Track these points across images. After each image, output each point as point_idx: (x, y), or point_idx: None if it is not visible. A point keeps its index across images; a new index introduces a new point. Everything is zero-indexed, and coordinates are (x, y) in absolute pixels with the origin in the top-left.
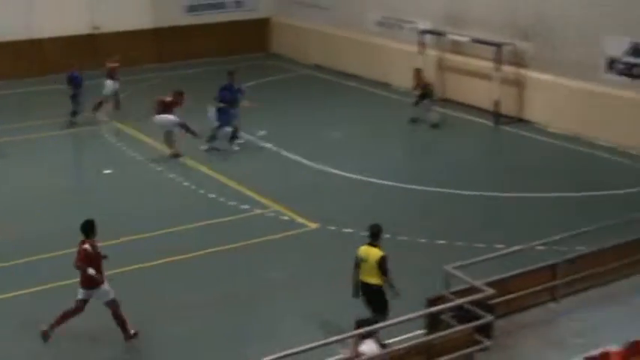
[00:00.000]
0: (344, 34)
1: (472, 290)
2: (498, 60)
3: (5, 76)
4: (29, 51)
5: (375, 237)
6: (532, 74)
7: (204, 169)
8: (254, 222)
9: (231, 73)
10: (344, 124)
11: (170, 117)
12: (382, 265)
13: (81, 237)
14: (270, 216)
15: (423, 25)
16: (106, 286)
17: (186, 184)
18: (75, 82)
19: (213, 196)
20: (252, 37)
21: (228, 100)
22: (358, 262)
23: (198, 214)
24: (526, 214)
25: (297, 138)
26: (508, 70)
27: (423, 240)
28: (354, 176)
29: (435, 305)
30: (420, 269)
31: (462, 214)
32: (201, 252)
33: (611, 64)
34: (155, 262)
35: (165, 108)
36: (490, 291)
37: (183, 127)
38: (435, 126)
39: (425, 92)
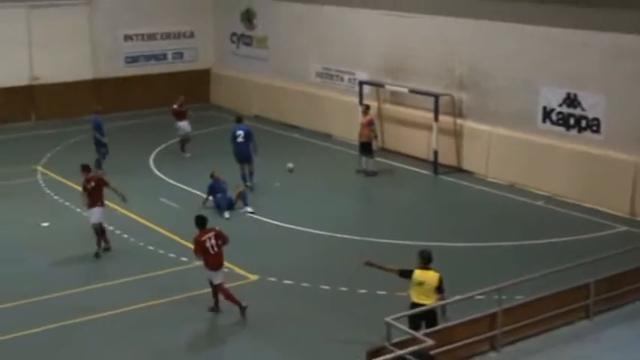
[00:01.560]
0: (284, 84)
1: (413, 341)
2: (436, 110)
3: None
4: None
5: (428, 261)
6: (469, 124)
7: (144, 221)
8: (192, 275)
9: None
10: (285, 175)
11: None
12: (441, 284)
13: None
14: None
15: (362, 76)
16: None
17: (125, 235)
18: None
19: (152, 248)
20: (192, 88)
21: None
22: (412, 285)
23: (137, 266)
24: (466, 263)
25: None
26: (446, 120)
27: (363, 290)
28: (293, 227)
29: (376, 357)
30: (361, 320)
31: (403, 263)
32: (135, 306)
33: (548, 114)
34: (79, 319)
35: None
36: (430, 342)
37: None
38: (371, 174)
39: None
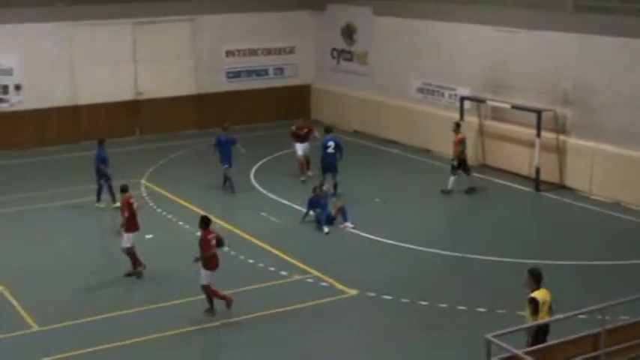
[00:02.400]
0: (384, 100)
1: (514, 359)
2: (539, 126)
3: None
4: (70, 117)
5: (540, 279)
6: (573, 140)
7: (245, 235)
8: (293, 288)
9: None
10: (384, 190)
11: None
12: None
13: None
14: (309, 282)
15: (463, 91)
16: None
17: (225, 249)
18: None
19: (252, 261)
20: (292, 104)
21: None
22: (539, 308)
23: (237, 280)
24: (568, 282)
25: None
26: (549, 136)
27: (463, 307)
28: (392, 242)
29: None
30: (461, 338)
31: (503, 281)
32: (239, 318)
33: None
34: (185, 329)
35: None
36: None
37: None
38: (470, 191)
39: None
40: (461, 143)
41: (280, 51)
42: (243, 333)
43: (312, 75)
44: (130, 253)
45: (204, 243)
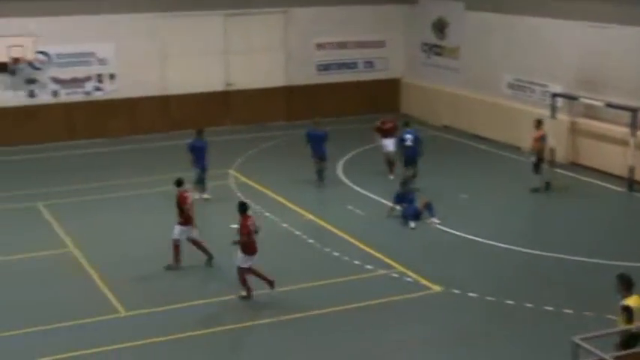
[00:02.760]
0: (475, 95)
1: None
2: (634, 125)
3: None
4: (161, 107)
5: (631, 285)
6: None
7: (331, 227)
8: (377, 282)
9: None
10: (472, 187)
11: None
12: None
13: None
14: (394, 277)
15: (555, 88)
16: None
17: (310, 241)
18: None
19: (337, 254)
20: (381, 98)
21: None
22: (634, 316)
23: (321, 272)
24: None
25: None
26: None
27: (549, 308)
28: (478, 239)
29: None
30: (548, 339)
31: (591, 282)
32: (321, 311)
33: None
34: (269, 320)
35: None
36: None
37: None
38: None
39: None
40: (541, 140)
41: (370, 44)
42: (327, 325)
43: (401, 69)
44: (176, 245)
45: (242, 228)
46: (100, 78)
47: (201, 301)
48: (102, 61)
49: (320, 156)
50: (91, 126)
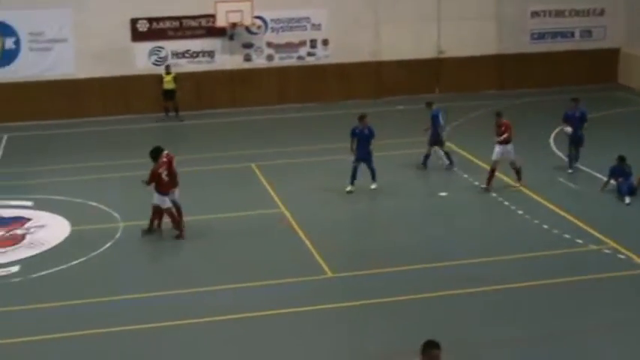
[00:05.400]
0: None
1: None
2: None
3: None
4: (372, 73)
5: None
6: None
7: (540, 199)
8: (587, 258)
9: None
10: None
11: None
12: None
13: None
14: (606, 253)
15: None
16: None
17: (520, 212)
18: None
19: (546, 226)
20: (597, 68)
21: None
22: None
23: (528, 244)
24: None
25: None
26: None
27: None
28: None
29: None
30: None
31: None
32: (525, 284)
33: None
34: (464, 291)
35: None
36: None
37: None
38: None
39: None
40: None
41: (588, 12)
42: (532, 298)
43: (621, 38)
44: (163, 210)
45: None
46: (313, 43)
47: (404, 268)
48: (316, 27)
49: (362, 158)
50: (302, 90)
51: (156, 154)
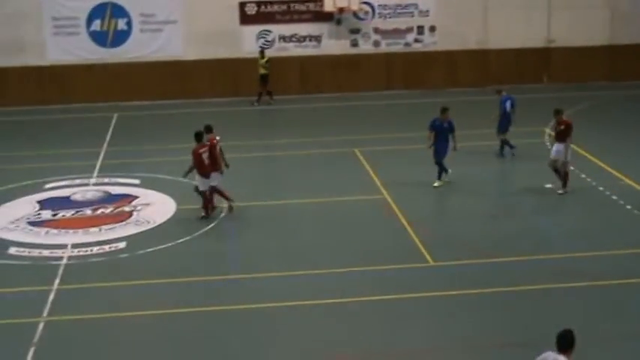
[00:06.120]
0: None
1: None
2: None
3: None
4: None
5: None
6: None
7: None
8: None
9: None
10: None
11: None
12: None
13: None
14: None
15: None
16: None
17: (628, 207)
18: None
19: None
20: None
21: None
22: None
23: (634, 238)
24: None
25: None
26: None
27: None
28: None
29: None
30: None
31: None
32: (633, 280)
33: None
34: (565, 285)
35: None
36: None
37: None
38: None
39: None
40: None
41: None
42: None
43: None
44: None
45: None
46: (420, 29)
47: (507, 259)
48: (423, 13)
49: (438, 152)
50: (408, 77)
51: (199, 135)
